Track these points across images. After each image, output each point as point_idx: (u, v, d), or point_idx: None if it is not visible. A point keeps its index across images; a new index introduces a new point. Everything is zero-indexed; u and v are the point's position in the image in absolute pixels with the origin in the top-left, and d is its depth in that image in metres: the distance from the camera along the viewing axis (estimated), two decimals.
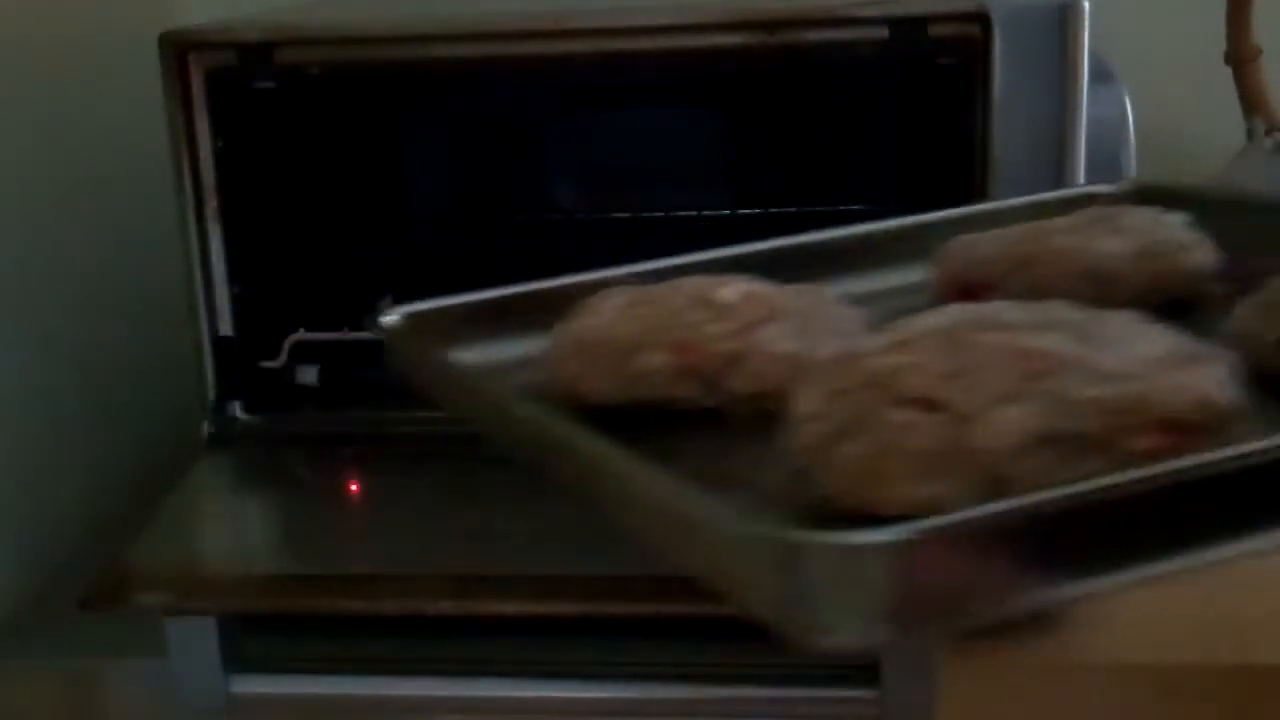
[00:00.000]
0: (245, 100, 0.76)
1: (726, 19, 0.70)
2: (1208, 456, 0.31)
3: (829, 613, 0.30)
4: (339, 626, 0.69)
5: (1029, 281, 0.51)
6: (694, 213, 0.98)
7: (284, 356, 0.79)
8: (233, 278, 0.75)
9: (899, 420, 0.34)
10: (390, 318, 0.48)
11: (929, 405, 0.34)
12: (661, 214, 0.98)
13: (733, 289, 0.45)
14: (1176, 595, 0.74)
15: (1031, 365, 0.35)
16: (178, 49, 0.72)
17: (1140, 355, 0.35)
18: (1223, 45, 0.93)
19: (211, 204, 0.74)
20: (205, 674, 0.65)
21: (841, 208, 0.97)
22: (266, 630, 0.68)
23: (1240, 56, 0.93)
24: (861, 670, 0.62)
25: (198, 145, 0.73)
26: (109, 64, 0.93)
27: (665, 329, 0.44)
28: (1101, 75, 0.71)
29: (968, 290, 0.51)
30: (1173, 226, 0.53)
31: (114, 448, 0.92)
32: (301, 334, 0.79)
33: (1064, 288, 0.49)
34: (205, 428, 0.76)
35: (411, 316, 0.48)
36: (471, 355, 0.48)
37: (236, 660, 0.66)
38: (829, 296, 0.48)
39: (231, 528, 0.76)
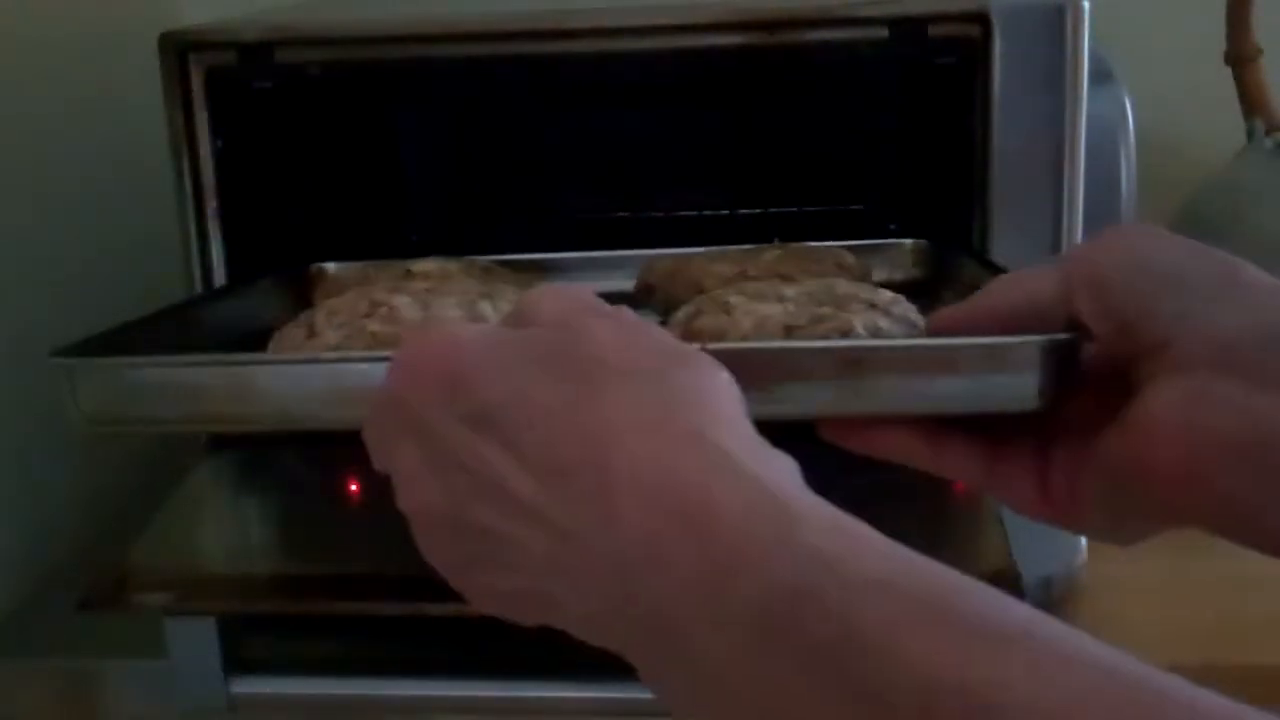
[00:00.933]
0: (245, 100, 0.76)
1: (726, 19, 0.70)
2: None
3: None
4: (339, 626, 0.69)
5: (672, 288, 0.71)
6: (694, 213, 0.99)
7: None
8: (232, 278, 0.75)
9: (292, 335, 0.59)
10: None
11: (310, 329, 0.59)
12: (661, 214, 0.98)
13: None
14: (1178, 598, 0.74)
15: (370, 310, 0.59)
16: (178, 49, 0.72)
17: (429, 316, 0.58)
18: (1223, 45, 0.93)
19: (211, 204, 0.74)
20: (205, 674, 0.65)
21: (841, 208, 0.97)
22: (266, 630, 0.68)
23: (1240, 56, 0.93)
24: None
25: (198, 145, 0.73)
26: (108, 64, 0.93)
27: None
28: (1101, 75, 0.71)
29: (645, 289, 0.74)
30: None
31: (114, 447, 0.92)
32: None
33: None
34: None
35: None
36: None
37: (236, 661, 0.66)
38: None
39: (231, 528, 0.76)
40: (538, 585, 0.36)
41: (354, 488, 0.78)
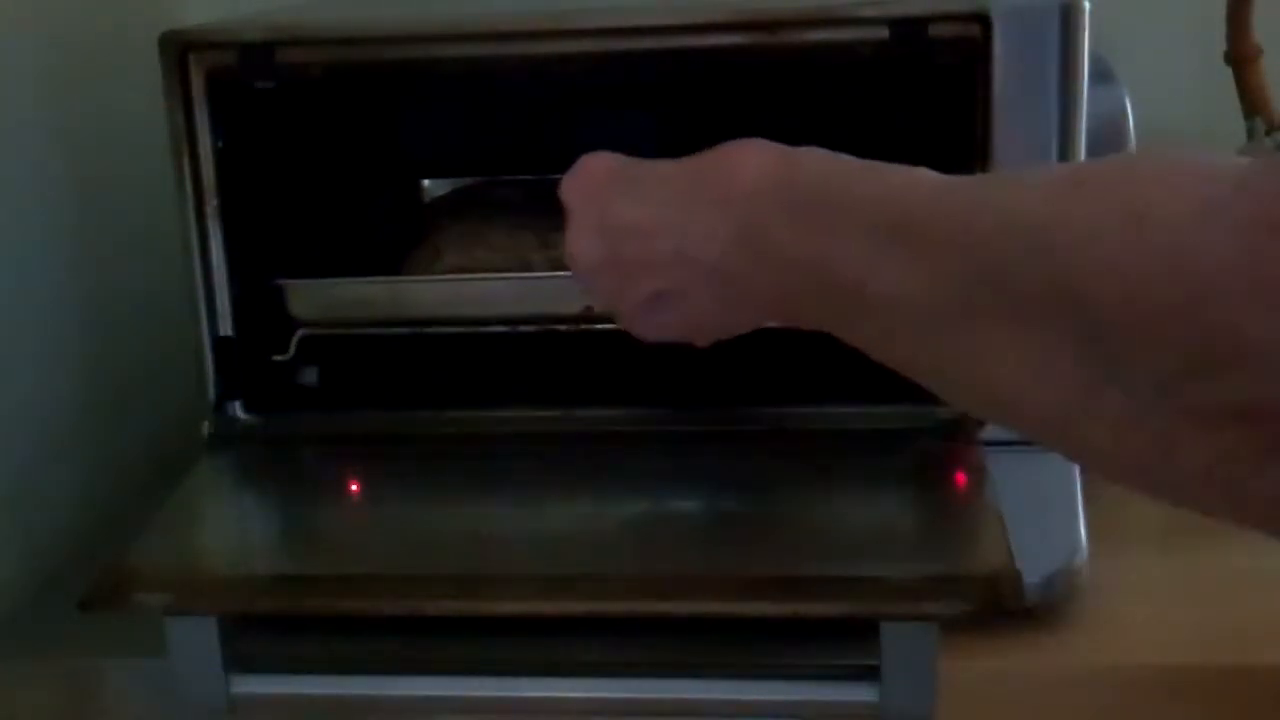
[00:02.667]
0: (245, 100, 0.76)
1: (726, 19, 0.70)
2: None
3: None
4: (339, 626, 0.69)
5: None
6: None
7: (293, 350, 0.79)
8: (233, 278, 0.75)
9: (423, 255, 0.85)
10: None
11: (436, 251, 0.84)
12: None
13: None
14: (1178, 598, 0.74)
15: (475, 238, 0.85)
16: (178, 49, 0.72)
17: (515, 241, 0.84)
18: (1223, 45, 0.93)
19: (211, 204, 0.74)
20: (205, 674, 0.65)
21: None
22: (267, 630, 0.68)
23: (1240, 56, 0.93)
24: (862, 670, 0.62)
25: (198, 145, 0.73)
26: (108, 64, 0.93)
27: None
28: (1101, 75, 0.71)
29: None
30: None
31: (114, 448, 0.92)
32: (310, 329, 0.79)
33: None
34: (205, 428, 0.76)
35: None
36: None
37: (237, 660, 0.66)
38: None
39: (231, 528, 0.76)
40: (670, 280, 0.54)
41: (354, 488, 0.78)
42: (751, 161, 0.52)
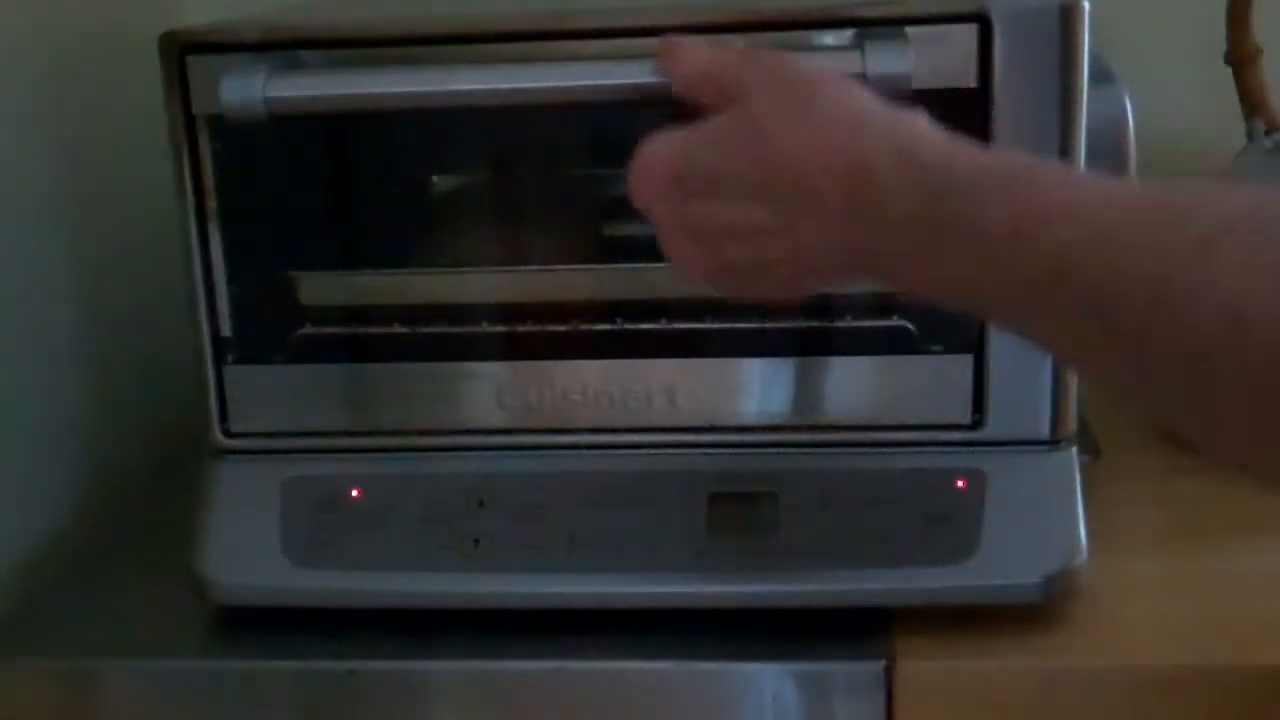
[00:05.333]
0: None
1: (726, 19, 0.70)
2: None
3: None
4: (339, 625, 0.69)
5: None
6: None
7: (292, 351, 0.79)
8: (233, 278, 0.75)
9: None
10: None
11: None
12: None
13: None
14: (1178, 598, 0.74)
15: None
16: (178, 49, 0.72)
17: None
18: (1223, 45, 0.93)
19: (211, 204, 0.74)
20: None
21: None
22: (267, 627, 0.68)
23: (1240, 56, 0.93)
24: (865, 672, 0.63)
25: (198, 145, 0.73)
26: (108, 64, 0.93)
27: None
28: (1101, 75, 0.71)
29: None
30: None
31: (115, 448, 0.92)
32: (309, 329, 0.79)
33: None
34: (206, 428, 0.76)
35: None
36: None
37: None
38: None
39: (232, 527, 0.76)
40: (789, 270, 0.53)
41: (354, 488, 0.77)
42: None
